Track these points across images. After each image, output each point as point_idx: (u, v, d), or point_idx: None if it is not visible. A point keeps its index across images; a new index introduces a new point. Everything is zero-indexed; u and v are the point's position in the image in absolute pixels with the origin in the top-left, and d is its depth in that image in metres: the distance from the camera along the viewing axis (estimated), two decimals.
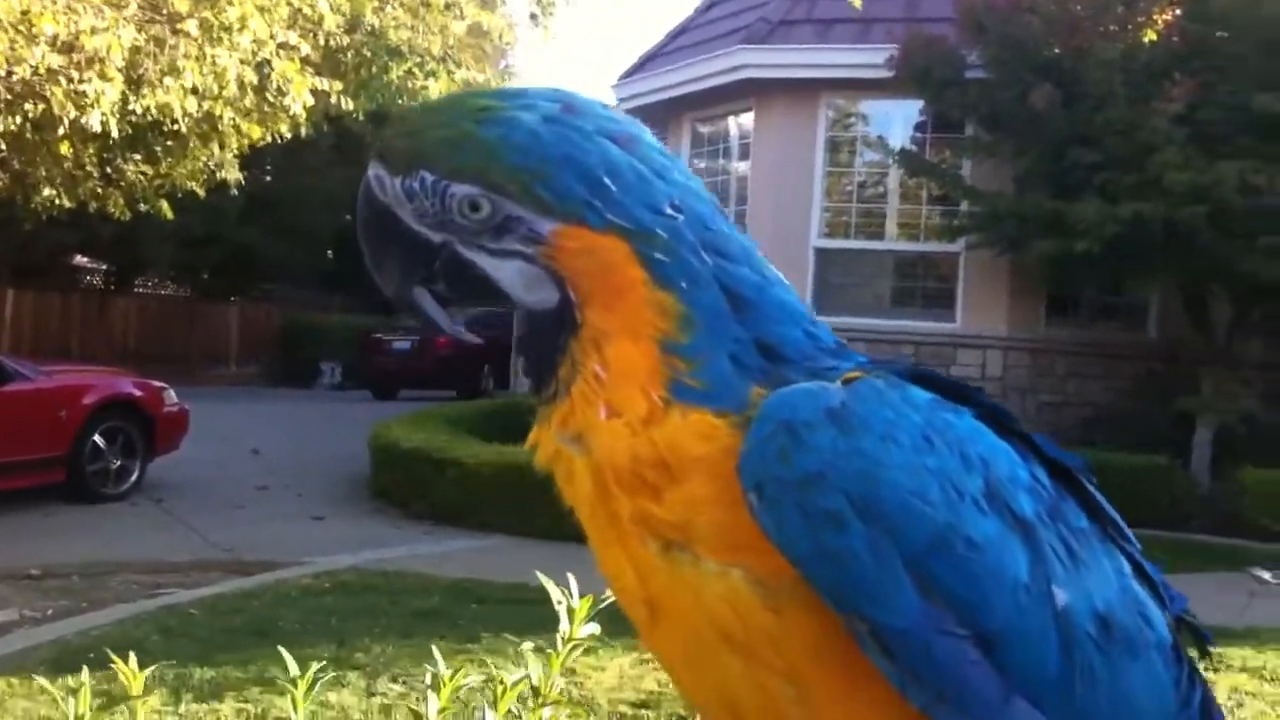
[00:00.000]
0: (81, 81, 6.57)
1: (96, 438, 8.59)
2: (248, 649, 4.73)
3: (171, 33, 7.03)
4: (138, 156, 10.06)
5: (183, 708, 4.01)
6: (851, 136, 11.79)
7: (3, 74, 6.87)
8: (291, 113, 7.85)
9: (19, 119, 7.49)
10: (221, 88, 7.19)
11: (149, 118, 7.68)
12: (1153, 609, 0.98)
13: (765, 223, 11.09)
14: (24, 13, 5.05)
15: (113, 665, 2.20)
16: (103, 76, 6.49)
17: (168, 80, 7.00)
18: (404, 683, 4.38)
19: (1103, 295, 11.58)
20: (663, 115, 12.45)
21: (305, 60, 8.04)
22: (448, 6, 9.17)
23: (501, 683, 2.13)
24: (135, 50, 6.82)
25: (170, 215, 10.64)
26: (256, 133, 8.78)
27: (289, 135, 8.99)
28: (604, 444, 0.90)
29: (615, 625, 2.23)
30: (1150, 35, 9.28)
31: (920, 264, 11.66)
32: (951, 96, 10.17)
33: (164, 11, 7.01)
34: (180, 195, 10.53)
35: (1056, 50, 9.49)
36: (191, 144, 9.39)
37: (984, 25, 9.74)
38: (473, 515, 7.96)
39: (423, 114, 0.99)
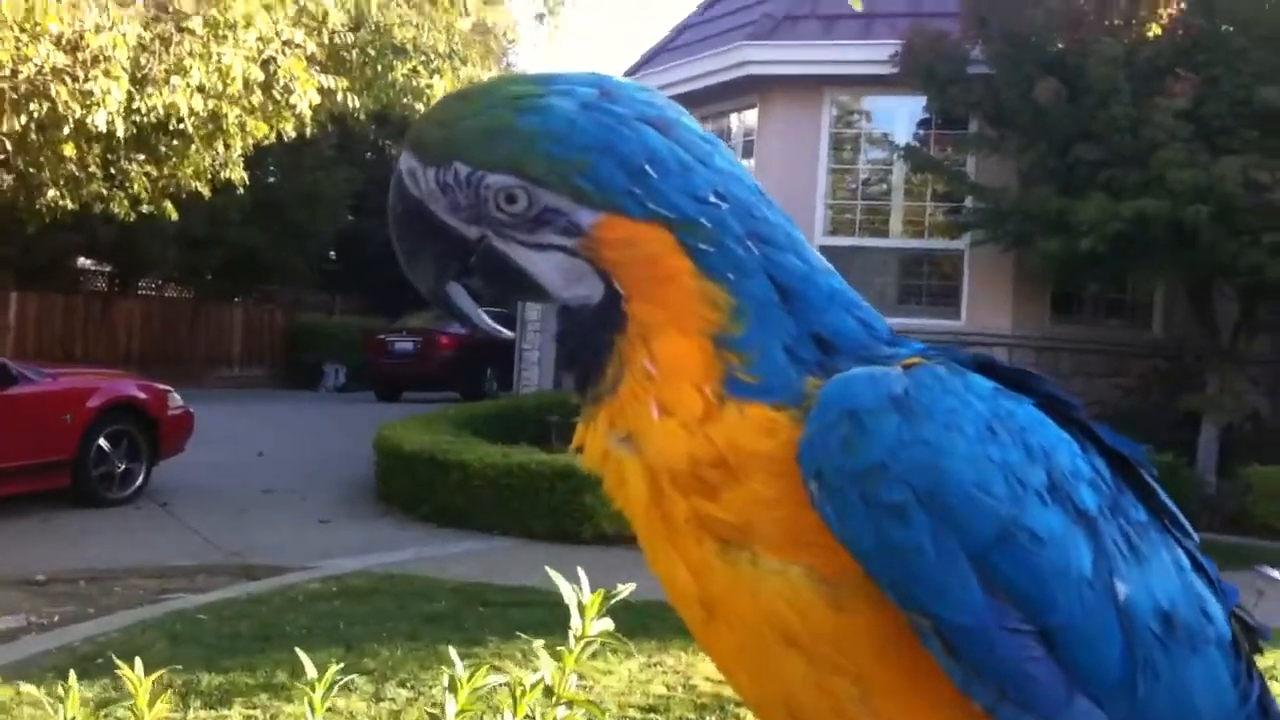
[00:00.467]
0: (87, 80, 6.56)
1: (101, 441, 8.55)
2: (255, 654, 4.71)
3: (177, 30, 7.01)
4: (142, 156, 10.05)
5: (191, 714, 3.98)
6: (855, 133, 11.76)
7: (8, 73, 6.84)
8: (298, 111, 7.84)
9: (24, 119, 7.47)
10: (227, 85, 7.17)
11: (154, 117, 7.66)
12: (1212, 603, 0.96)
13: None
14: (28, 10, 5.03)
15: (119, 672, 2.17)
16: (108, 75, 6.48)
17: (174, 79, 6.98)
18: (412, 687, 4.35)
19: (1108, 293, 11.55)
20: None
21: (310, 58, 8.03)
22: (452, 3, 9.14)
23: (521, 683, 2.11)
24: (141, 48, 6.81)
25: (174, 215, 10.64)
26: (262, 131, 8.76)
27: (294, 134, 8.97)
28: (658, 445, 0.87)
29: (624, 624, 2.22)
30: (1154, 30, 9.24)
31: (924, 261, 11.61)
32: (955, 93, 10.13)
33: (169, 9, 6.99)
34: (184, 196, 10.52)
35: (1060, 45, 9.46)
36: (196, 143, 9.37)
37: (987, 20, 9.71)
38: (477, 517, 7.92)
39: (456, 103, 0.94)
